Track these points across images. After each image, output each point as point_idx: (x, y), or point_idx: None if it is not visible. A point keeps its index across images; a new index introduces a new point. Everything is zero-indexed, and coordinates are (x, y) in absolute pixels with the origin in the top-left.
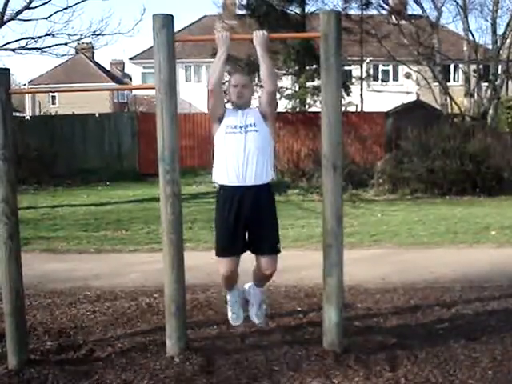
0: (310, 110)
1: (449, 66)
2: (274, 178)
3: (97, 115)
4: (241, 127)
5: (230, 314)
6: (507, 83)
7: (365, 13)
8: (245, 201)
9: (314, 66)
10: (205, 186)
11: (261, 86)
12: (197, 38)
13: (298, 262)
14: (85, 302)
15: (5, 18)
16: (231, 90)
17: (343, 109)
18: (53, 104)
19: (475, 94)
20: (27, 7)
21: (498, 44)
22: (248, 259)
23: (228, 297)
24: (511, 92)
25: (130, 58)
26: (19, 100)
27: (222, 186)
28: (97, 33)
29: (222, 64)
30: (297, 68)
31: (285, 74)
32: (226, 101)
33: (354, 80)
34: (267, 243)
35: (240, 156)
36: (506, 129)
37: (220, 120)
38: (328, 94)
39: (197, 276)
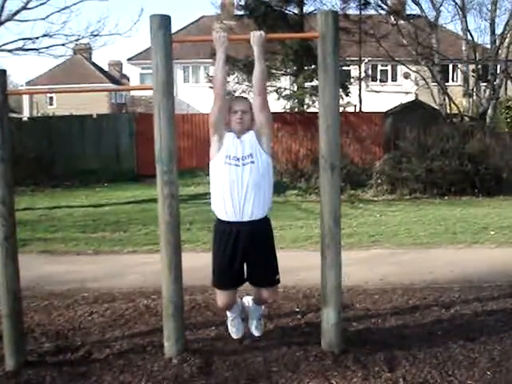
0: (308, 110)
1: (447, 65)
2: (271, 209)
3: (94, 116)
4: (238, 159)
5: (230, 327)
6: (506, 83)
7: (363, 13)
8: (242, 235)
9: (313, 67)
10: (203, 187)
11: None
12: (195, 39)
13: (297, 263)
14: (82, 304)
15: (2, 19)
16: (231, 116)
17: (342, 109)
18: (50, 105)
19: (474, 94)
20: (24, 8)
21: (497, 44)
22: None
23: (228, 313)
24: (510, 92)
25: (128, 59)
26: (17, 101)
27: (219, 220)
28: (94, 33)
29: (223, 66)
30: (295, 68)
31: (283, 75)
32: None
33: (352, 80)
34: (266, 277)
35: (237, 192)
36: (505, 129)
37: (218, 139)
38: (326, 94)
39: (195, 277)
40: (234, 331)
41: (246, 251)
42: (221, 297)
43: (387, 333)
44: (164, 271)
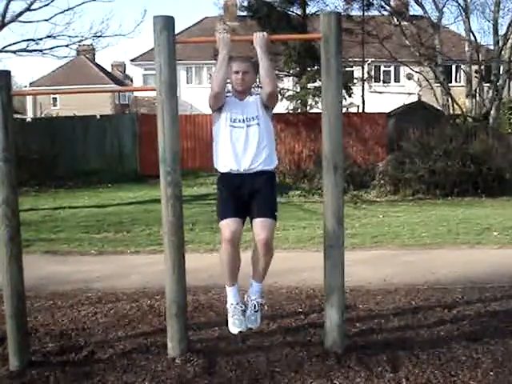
0: (311, 111)
1: (450, 66)
2: (276, 165)
3: (98, 117)
4: (243, 120)
5: (230, 319)
6: (509, 84)
7: (366, 14)
8: (246, 181)
9: (316, 67)
10: (206, 188)
11: (260, 87)
12: (198, 40)
13: (300, 263)
14: (86, 304)
15: (6, 20)
16: (232, 76)
17: (345, 110)
18: (54, 106)
19: (477, 95)
20: (28, 9)
21: (500, 44)
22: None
23: (228, 299)
24: None
25: (131, 60)
26: (20, 102)
27: (222, 173)
28: (98, 34)
29: (225, 67)
30: (298, 69)
31: (286, 76)
32: (226, 91)
33: (355, 81)
34: (263, 207)
35: (242, 149)
36: (508, 130)
37: (220, 109)
38: (328, 94)
39: (198, 278)
40: (234, 323)
41: (249, 193)
42: (226, 227)
43: (390, 333)
44: (167, 272)
